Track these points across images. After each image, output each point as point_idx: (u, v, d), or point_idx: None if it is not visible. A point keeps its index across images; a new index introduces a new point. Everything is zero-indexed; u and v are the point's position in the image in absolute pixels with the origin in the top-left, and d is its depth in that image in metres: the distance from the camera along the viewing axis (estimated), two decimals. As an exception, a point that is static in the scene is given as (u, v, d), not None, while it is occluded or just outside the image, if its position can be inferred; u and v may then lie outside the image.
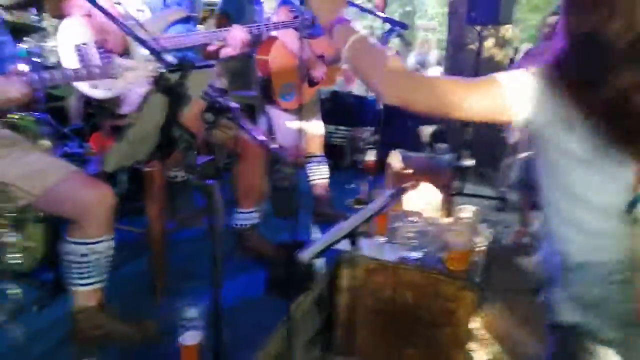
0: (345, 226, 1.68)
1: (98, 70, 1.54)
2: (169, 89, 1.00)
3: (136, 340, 1.68)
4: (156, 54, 1.24)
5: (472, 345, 2.16)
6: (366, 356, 2.19)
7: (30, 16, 3.34)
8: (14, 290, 1.70)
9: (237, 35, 2.19)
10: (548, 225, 0.99)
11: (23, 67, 3.17)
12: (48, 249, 1.93)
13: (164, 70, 1.00)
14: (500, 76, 0.99)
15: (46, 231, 1.91)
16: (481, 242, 2.25)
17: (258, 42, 2.86)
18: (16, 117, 1.82)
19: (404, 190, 1.92)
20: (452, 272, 2.07)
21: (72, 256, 1.56)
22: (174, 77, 1.00)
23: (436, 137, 5.00)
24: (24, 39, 3.31)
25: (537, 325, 2.17)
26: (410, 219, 2.26)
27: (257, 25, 2.34)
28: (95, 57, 1.84)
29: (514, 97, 0.95)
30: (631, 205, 0.86)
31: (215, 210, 1.14)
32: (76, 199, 1.51)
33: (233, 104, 1.44)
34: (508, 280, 3.00)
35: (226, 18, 2.85)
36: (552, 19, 3.27)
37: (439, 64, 9.44)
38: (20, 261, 1.93)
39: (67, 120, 3.67)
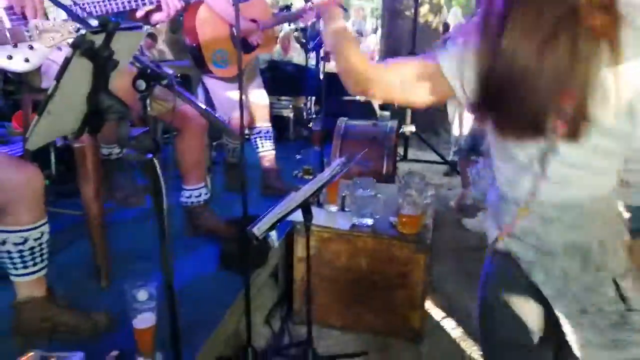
0: (296, 197, 1.65)
1: (9, 33, 1.38)
2: (93, 52, 0.88)
3: (87, 331, 1.57)
4: (77, 17, 1.12)
5: (426, 305, 2.22)
6: (325, 324, 2.19)
7: None
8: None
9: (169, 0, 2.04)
10: (494, 174, 1.12)
11: None
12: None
13: (85, 32, 0.88)
14: (440, 57, 1.03)
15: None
16: (428, 204, 2.28)
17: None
18: None
19: (353, 158, 1.89)
20: (404, 235, 2.10)
21: (5, 245, 1.42)
22: (97, 39, 0.88)
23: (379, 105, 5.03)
24: None
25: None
26: (359, 185, 2.25)
27: None
28: (5, 20, 1.66)
29: (453, 78, 1.01)
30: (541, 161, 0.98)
31: (159, 187, 1.05)
32: (2, 183, 1.36)
33: (167, 70, 1.33)
34: (455, 240, 3.11)
35: None
36: None
37: (374, 32, 9.49)
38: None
39: (-17, 99, 3.37)
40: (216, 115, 2.19)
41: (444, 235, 3.06)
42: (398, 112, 4.70)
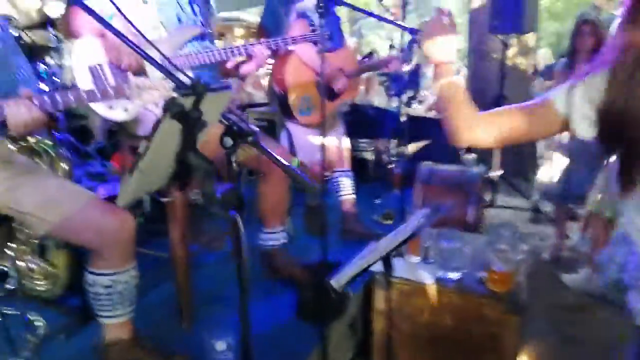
0: (378, 248, 1.58)
1: (112, 90, 1.47)
2: (183, 115, 0.91)
3: None
4: (167, 72, 1.16)
5: (517, 372, 2.02)
6: (405, 383, 2.06)
7: (49, 35, 3.33)
8: (39, 321, 1.62)
9: (262, 50, 2.11)
10: (625, 229, 1.06)
11: (44, 87, 3.18)
12: (73, 274, 1.88)
13: (175, 95, 0.91)
14: (551, 94, 1.09)
15: (70, 257, 1.86)
16: (522, 260, 2.12)
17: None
18: (33, 141, 1.76)
19: (439, 209, 1.80)
20: (495, 293, 1.95)
21: (96, 288, 1.48)
22: (187, 101, 0.91)
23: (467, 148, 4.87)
24: (45, 59, 3.30)
25: (589, 344, 2.02)
26: (444, 236, 2.14)
27: (275, 40, 2.26)
28: (109, 77, 1.79)
29: (568, 109, 1.04)
30: None
31: (240, 245, 1.05)
32: (94, 228, 1.43)
33: (253, 127, 1.35)
34: (551, 298, 2.85)
35: (264, 32, 2.79)
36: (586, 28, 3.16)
37: (457, 73, 9.32)
38: (45, 288, 1.88)
39: (89, 138, 3.66)
40: (297, 163, 2.21)
41: (537, 293, 2.82)
42: (484, 155, 4.53)
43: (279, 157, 1.06)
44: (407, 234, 1.61)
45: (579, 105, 1.01)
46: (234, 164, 1.00)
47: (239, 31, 6.30)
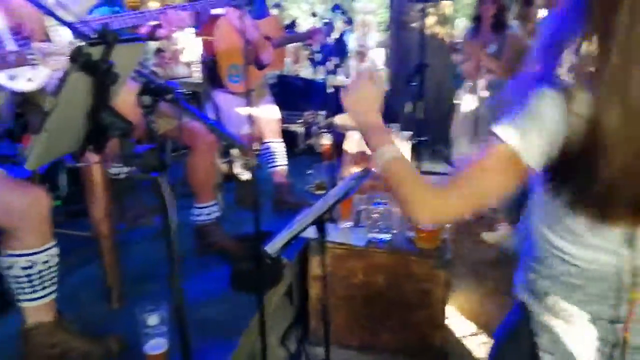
0: (310, 214, 1.59)
1: (14, 56, 1.34)
2: (91, 66, 0.82)
3: (98, 357, 1.51)
4: (81, 34, 1.07)
5: (448, 324, 2.13)
6: (342, 344, 2.12)
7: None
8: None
9: (171, 16, 2.01)
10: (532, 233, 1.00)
11: None
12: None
13: (82, 44, 0.83)
14: (513, 143, 0.86)
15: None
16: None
17: (197, 23, 2.68)
18: None
19: (367, 173, 1.83)
20: (423, 251, 2.03)
21: (13, 270, 1.37)
22: (95, 51, 0.83)
23: (386, 116, 4.98)
24: None
25: (504, 296, 2.17)
26: (374, 200, 2.18)
27: (192, 4, 2.16)
28: (10, 43, 1.63)
29: (530, 157, 0.86)
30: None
31: (166, 207, 0.99)
32: (4, 206, 1.32)
33: (173, 83, 1.28)
34: (474, 254, 3.02)
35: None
36: None
37: (379, 45, 9.49)
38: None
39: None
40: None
41: (460, 250, 2.98)
42: (408, 122, 4.66)
43: (203, 115, 1.01)
44: (337, 196, 1.62)
45: (536, 141, 0.84)
46: (154, 124, 0.94)
47: (153, 4, 5.97)
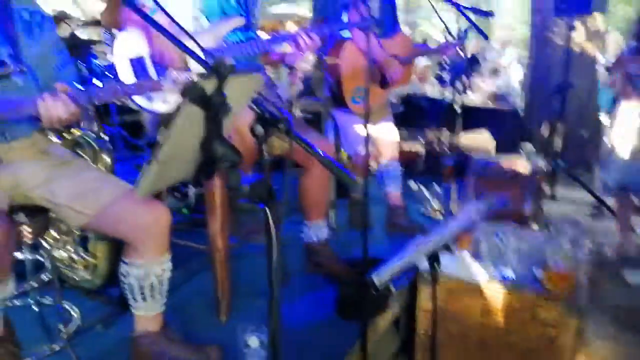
0: (424, 243, 1.48)
1: (147, 83, 1.45)
2: (203, 99, 0.84)
3: None
4: (203, 63, 1.11)
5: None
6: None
7: (102, 31, 3.42)
8: (73, 311, 1.64)
9: (304, 38, 2.04)
10: None
11: (97, 83, 3.27)
12: (112, 265, 1.89)
13: (195, 79, 0.85)
14: None
15: (109, 248, 1.87)
16: (584, 258, 1.94)
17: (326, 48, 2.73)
18: (78, 134, 1.78)
19: (493, 202, 1.66)
20: (552, 294, 1.79)
21: (128, 278, 1.47)
22: (208, 85, 0.84)
23: (522, 138, 4.62)
24: (97, 54, 3.40)
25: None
26: (498, 231, 1.99)
27: (320, 27, 2.19)
28: (151, 71, 1.78)
29: None
30: None
31: (270, 238, 0.99)
32: (131, 220, 1.42)
33: (286, 113, 1.27)
34: (616, 299, 2.62)
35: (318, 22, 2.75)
36: None
37: (517, 61, 8.91)
38: (85, 278, 1.91)
39: (140, 132, 3.75)
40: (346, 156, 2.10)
41: (600, 292, 2.60)
42: (542, 146, 4.27)
43: (315, 147, 0.99)
44: (457, 228, 1.49)
45: None
46: (265, 154, 0.94)
47: (291, 25, 6.29)
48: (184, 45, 1.19)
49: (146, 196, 1.50)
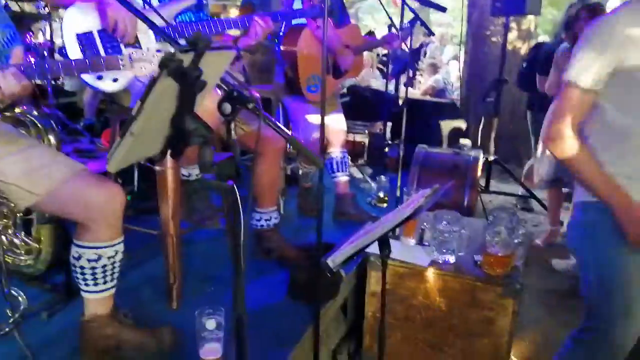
0: (375, 230, 1.53)
1: (103, 61, 1.39)
2: (181, 73, 0.83)
3: (151, 350, 1.54)
4: (171, 39, 1.10)
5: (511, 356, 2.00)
6: (397, 367, 2.04)
7: (37, 4, 3.22)
8: (20, 296, 1.56)
9: (260, 23, 2.03)
10: None
11: (30, 59, 3.08)
12: (58, 251, 1.82)
13: (173, 50, 0.83)
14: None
15: (55, 232, 1.79)
16: (519, 244, 2.08)
17: (277, 33, 2.72)
18: (18, 111, 1.68)
19: (439, 191, 1.75)
20: (491, 277, 1.91)
21: (80, 261, 1.43)
22: (186, 58, 0.83)
23: (456, 132, 4.83)
24: (32, 29, 3.20)
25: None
26: (441, 218, 2.09)
27: (278, 12, 2.19)
28: (99, 47, 1.71)
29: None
30: None
31: (237, 215, 0.99)
32: (83, 200, 1.37)
33: (255, 93, 1.28)
34: (545, 283, 2.84)
35: (251, 8, 2.72)
36: (572, 11, 3.10)
37: (455, 58, 9.27)
38: (28, 263, 1.82)
39: (78, 115, 3.58)
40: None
41: (530, 278, 2.80)
42: (481, 138, 4.49)
43: (283, 128, 1.00)
44: (406, 214, 1.56)
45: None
46: (233, 133, 0.94)
47: (234, 12, 6.19)
48: (148, 20, 1.17)
49: (98, 176, 1.47)
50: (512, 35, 5.43)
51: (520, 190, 4.16)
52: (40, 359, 1.50)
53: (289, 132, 1.12)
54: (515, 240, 2.00)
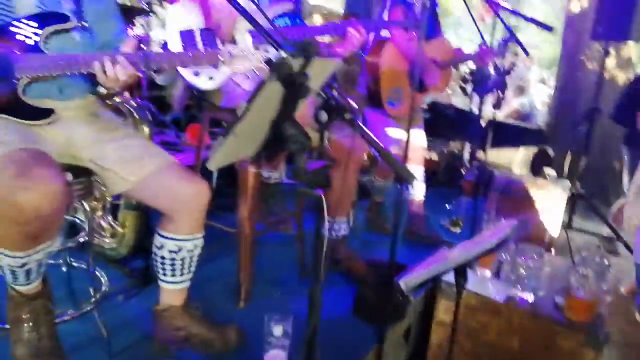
0: (454, 257, 1.46)
1: (204, 55, 1.43)
2: (290, 77, 0.83)
3: (216, 347, 1.56)
4: (278, 43, 1.10)
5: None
6: (458, 403, 1.94)
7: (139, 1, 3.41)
8: (103, 277, 1.64)
9: (355, 34, 2.02)
10: None
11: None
12: (139, 236, 1.89)
13: (285, 55, 0.83)
14: None
15: (139, 219, 1.87)
16: (606, 290, 1.92)
17: (366, 43, 2.71)
18: (118, 101, 1.77)
19: (526, 223, 1.65)
20: (572, 322, 1.78)
21: (161, 250, 1.47)
22: (296, 63, 0.83)
23: (540, 160, 4.59)
24: (134, 22, 3.39)
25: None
26: (522, 252, 1.97)
27: (368, 21, 2.17)
28: (199, 43, 1.77)
29: None
30: None
31: (322, 225, 0.97)
32: (172, 192, 1.42)
33: (352, 103, 1.26)
34: (626, 336, 2.60)
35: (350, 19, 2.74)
36: None
37: (541, 82, 8.85)
38: (111, 246, 1.91)
39: (166, 109, 3.74)
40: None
41: (611, 328, 2.58)
42: (569, 170, 4.24)
43: (376, 140, 0.97)
44: (491, 244, 1.48)
45: None
46: (326, 141, 0.93)
47: (317, 18, 6.26)
48: (257, 23, 1.18)
49: (188, 170, 1.51)
50: (610, 62, 5.09)
51: (606, 232, 3.87)
52: (114, 339, 1.56)
53: (382, 145, 1.09)
54: (602, 286, 1.85)
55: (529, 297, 1.88)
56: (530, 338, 1.82)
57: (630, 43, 4.95)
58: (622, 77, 5.24)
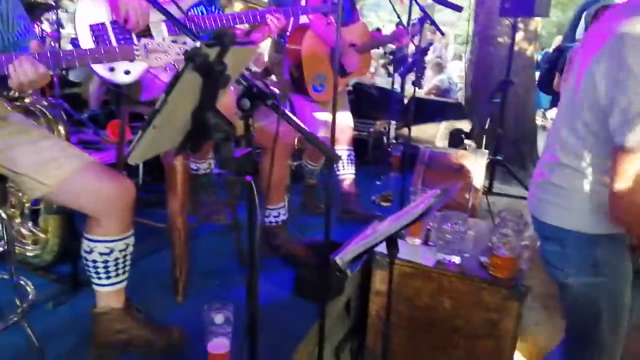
0: (385, 228, 1.53)
1: (120, 51, 1.39)
2: (207, 67, 0.83)
3: (160, 347, 1.54)
4: (192, 33, 1.09)
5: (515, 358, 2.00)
6: (400, 366, 2.04)
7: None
8: (28, 286, 1.56)
9: (274, 21, 2.02)
10: None
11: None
12: (65, 241, 1.82)
13: (200, 44, 0.83)
14: None
15: (62, 223, 1.79)
16: (525, 247, 2.08)
17: (285, 31, 2.72)
18: (28, 101, 1.67)
19: (448, 191, 1.75)
20: (496, 279, 1.92)
21: (92, 254, 1.43)
22: (212, 52, 0.83)
23: (459, 133, 4.83)
24: (42, 19, 3.19)
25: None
26: (447, 219, 2.09)
27: (290, 8, 2.18)
28: (112, 38, 1.70)
29: None
30: None
31: (255, 211, 0.99)
32: (94, 193, 1.37)
33: (273, 89, 1.28)
34: (546, 287, 2.84)
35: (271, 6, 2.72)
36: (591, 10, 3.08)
37: (458, 58, 9.26)
38: (34, 253, 1.82)
39: (82, 107, 3.56)
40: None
41: (532, 281, 2.81)
42: (486, 139, 4.48)
43: (301, 124, 1.00)
44: (417, 214, 1.56)
45: None
46: (252, 128, 0.94)
47: (238, 5, 6.15)
48: (167, 11, 1.16)
49: (109, 169, 1.47)
50: (519, 36, 5.42)
51: (524, 193, 4.16)
52: (48, 349, 1.50)
53: (307, 129, 1.11)
54: (522, 243, 2.01)
55: (457, 260, 2.01)
56: (460, 297, 1.95)
57: (537, 20, 5.30)
58: (530, 49, 5.61)
